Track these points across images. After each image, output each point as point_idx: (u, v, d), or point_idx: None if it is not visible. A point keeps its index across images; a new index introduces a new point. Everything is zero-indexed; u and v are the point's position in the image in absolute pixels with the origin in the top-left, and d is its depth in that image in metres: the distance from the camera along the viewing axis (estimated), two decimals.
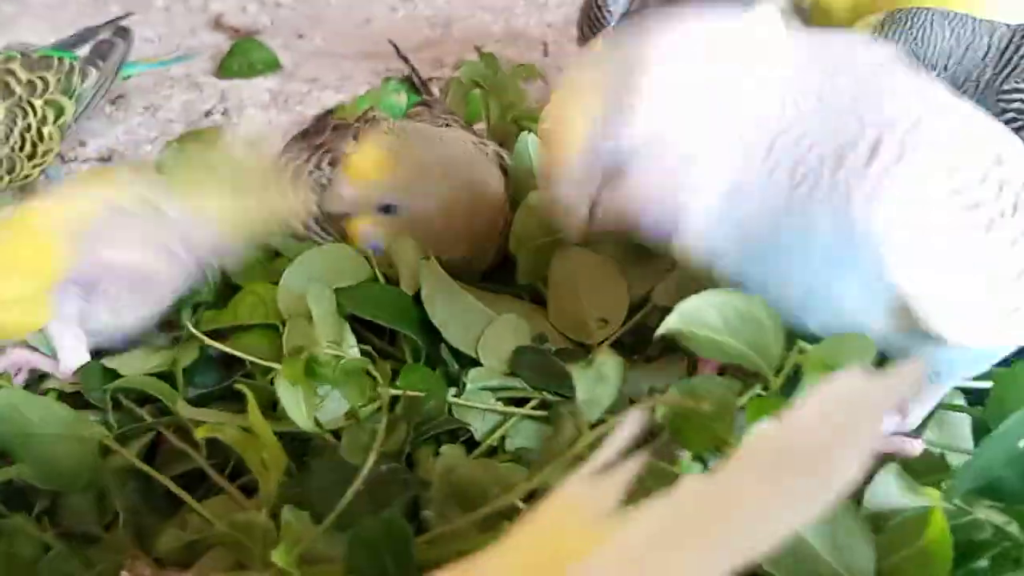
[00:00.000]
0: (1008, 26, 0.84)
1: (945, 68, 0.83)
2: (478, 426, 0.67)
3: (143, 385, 0.71)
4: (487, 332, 0.71)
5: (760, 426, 0.51)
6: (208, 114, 1.36)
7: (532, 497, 0.55)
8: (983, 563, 0.54)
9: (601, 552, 0.32)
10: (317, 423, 0.64)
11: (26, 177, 1.09)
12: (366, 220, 0.80)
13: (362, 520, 0.55)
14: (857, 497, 0.56)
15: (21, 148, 1.07)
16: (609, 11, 1.13)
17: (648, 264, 0.75)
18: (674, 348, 0.66)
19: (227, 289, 0.85)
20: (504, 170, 0.87)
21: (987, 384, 0.65)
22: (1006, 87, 0.81)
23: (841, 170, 0.52)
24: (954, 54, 0.83)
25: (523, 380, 0.68)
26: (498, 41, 1.52)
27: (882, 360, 0.58)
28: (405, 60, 0.98)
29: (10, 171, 1.06)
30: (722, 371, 0.65)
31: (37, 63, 1.11)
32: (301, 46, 1.55)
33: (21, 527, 0.65)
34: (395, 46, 0.99)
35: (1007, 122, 0.76)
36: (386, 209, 0.79)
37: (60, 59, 1.13)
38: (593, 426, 0.56)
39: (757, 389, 0.57)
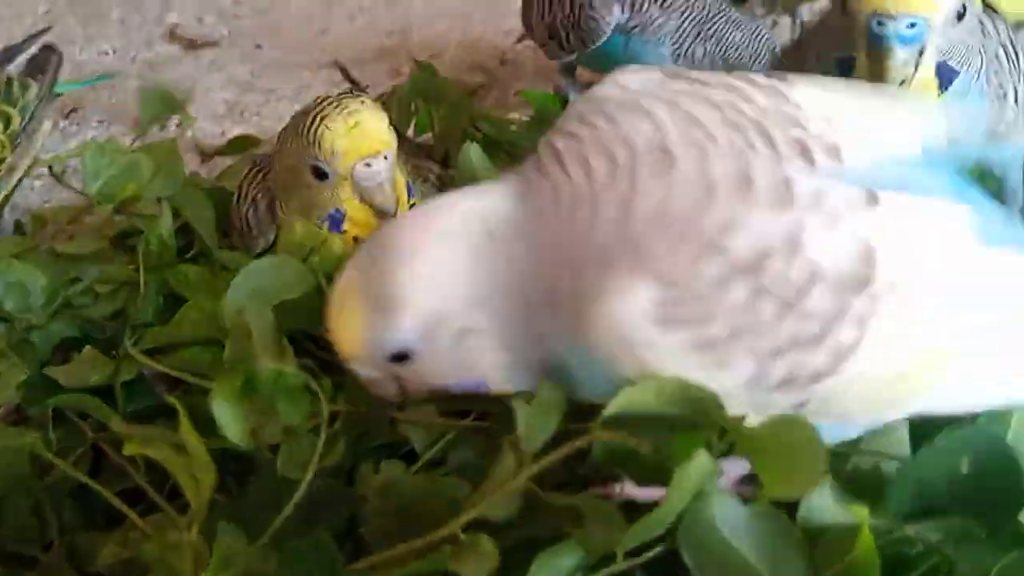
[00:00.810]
0: None
1: None
2: (419, 439, 0.66)
3: (79, 402, 0.70)
4: None
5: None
6: (162, 127, 1.35)
7: (472, 527, 0.55)
8: None
9: None
10: (254, 440, 0.63)
11: None
12: None
13: (297, 539, 0.54)
14: (792, 511, 0.55)
15: None
16: (604, 21, 1.12)
17: None
18: None
19: (172, 304, 0.85)
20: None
21: None
22: None
23: (559, 307, 0.53)
24: None
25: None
26: (456, 48, 1.52)
27: None
28: (351, 80, 0.98)
29: None
30: None
31: None
32: (259, 57, 1.54)
33: None
34: (341, 67, 0.98)
35: None
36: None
37: None
38: (536, 456, 0.55)
39: None
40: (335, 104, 0.81)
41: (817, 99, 0.56)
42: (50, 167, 1.15)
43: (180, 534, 0.57)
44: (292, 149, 0.83)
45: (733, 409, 0.52)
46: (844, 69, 0.73)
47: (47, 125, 1.17)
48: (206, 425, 0.62)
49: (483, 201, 0.57)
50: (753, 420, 0.52)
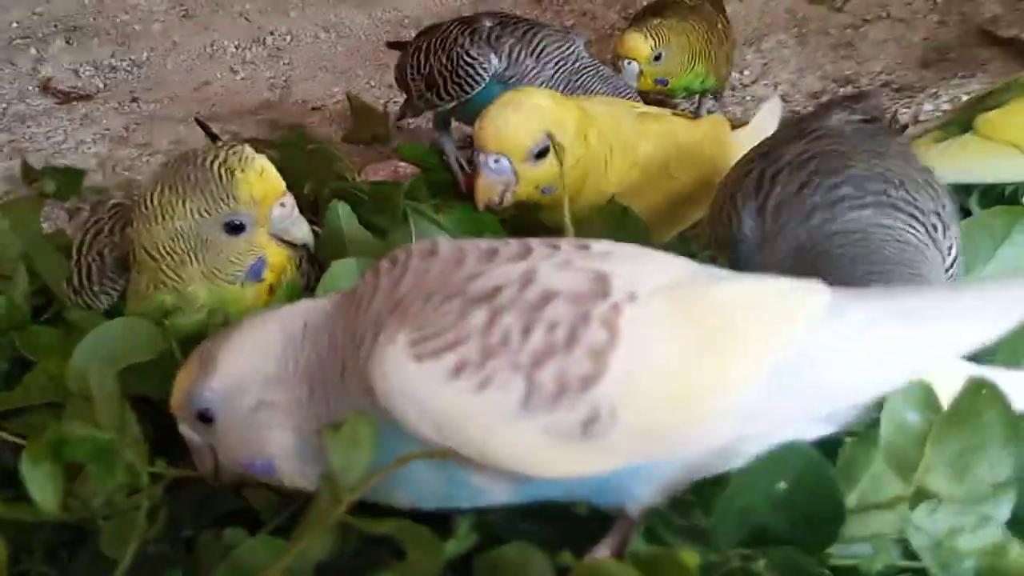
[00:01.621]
0: None
1: None
2: (264, 506, 0.65)
3: None
4: None
5: None
6: (32, 183, 1.32)
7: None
8: None
9: None
10: (70, 509, 0.61)
11: None
12: None
13: None
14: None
15: None
16: (483, 69, 1.13)
17: None
18: None
19: (23, 367, 0.82)
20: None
21: None
22: None
23: (348, 376, 0.58)
24: None
25: None
26: (337, 103, 1.51)
27: None
28: (211, 134, 0.96)
29: None
30: None
31: None
32: (135, 110, 1.52)
33: None
34: (202, 124, 0.97)
35: None
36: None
37: None
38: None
39: None
40: (233, 155, 0.79)
41: None
42: None
43: None
44: (187, 213, 0.78)
45: (533, 448, 0.55)
46: None
47: None
48: None
49: (314, 302, 0.64)
50: (558, 456, 0.55)
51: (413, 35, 1.29)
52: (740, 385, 0.56)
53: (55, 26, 1.72)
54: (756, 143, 0.87)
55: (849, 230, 0.71)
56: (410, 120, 1.35)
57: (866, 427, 0.61)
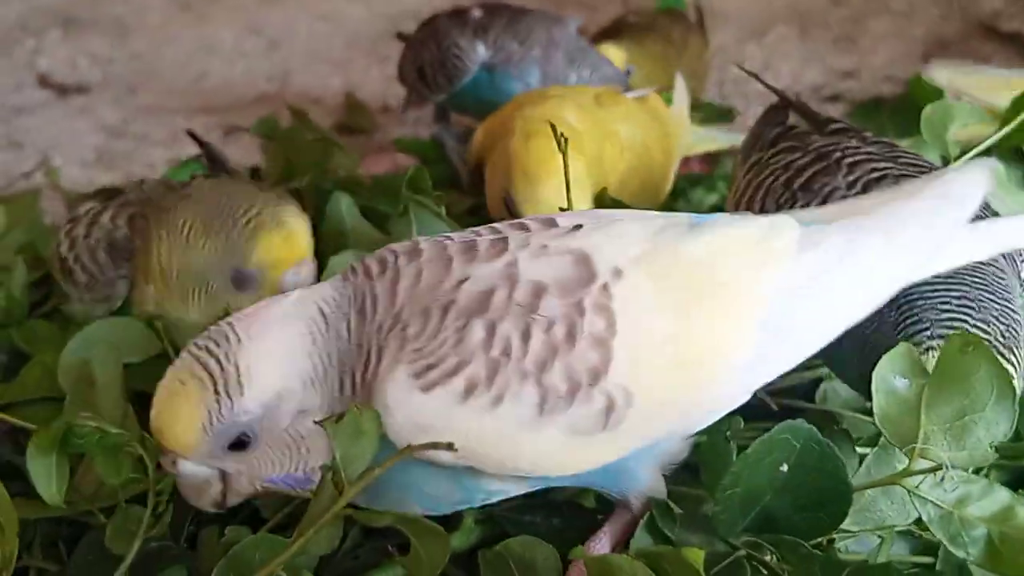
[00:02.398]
0: None
1: None
2: (267, 504, 0.64)
3: None
4: None
5: None
6: (28, 175, 1.31)
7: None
8: None
9: None
10: (77, 503, 0.60)
11: None
12: None
13: None
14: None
15: None
16: (469, 59, 1.12)
17: None
18: None
19: (20, 360, 0.81)
20: None
21: None
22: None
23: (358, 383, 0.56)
24: None
25: None
26: (335, 96, 1.50)
27: None
28: (201, 144, 0.96)
29: None
30: None
31: None
32: (132, 102, 1.51)
33: None
34: (192, 135, 0.96)
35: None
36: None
37: None
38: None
39: None
40: (267, 214, 0.79)
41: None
42: None
43: None
44: (203, 253, 0.79)
45: (556, 449, 0.54)
46: None
47: None
48: None
49: (320, 290, 0.59)
50: (580, 452, 0.55)
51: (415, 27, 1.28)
52: (737, 337, 0.57)
53: (52, 18, 1.71)
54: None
55: None
56: (414, 113, 1.34)
57: None
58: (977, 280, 0.63)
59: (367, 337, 0.56)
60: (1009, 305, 0.63)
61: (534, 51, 1.12)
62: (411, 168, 0.88)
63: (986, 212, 0.67)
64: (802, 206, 0.72)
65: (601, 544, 0.60)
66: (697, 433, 0.60)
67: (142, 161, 1.33)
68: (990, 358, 0.57)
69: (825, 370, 0.75)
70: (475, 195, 1.02)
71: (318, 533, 0.53)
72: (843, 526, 0.58)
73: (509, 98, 1.05)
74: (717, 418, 0.60)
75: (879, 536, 0.61)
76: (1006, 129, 0.87)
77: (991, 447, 0.57)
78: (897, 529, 0.61)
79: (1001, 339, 0.60)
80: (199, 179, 0.89)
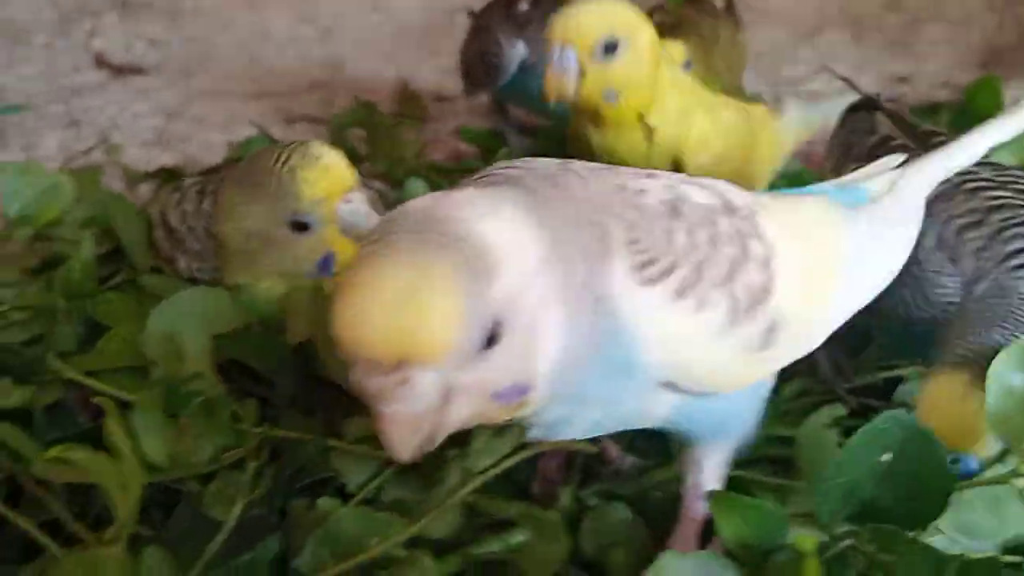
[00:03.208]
0: None
1: None
2: (354, 477, 0.64)
3: None
4: None
5: None
6: (87, 153, 1.32)
7: (413, 545, 0.53)
8: None
9: None
10: (177, 467, 0.61)
11: None
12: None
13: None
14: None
15: None
16: (507, 58, 1.11)
17: None
18: None
19: (94, 332, 0.82)
20: None
21: None
22: None
23: (594, 280, 0.51)
24: None
25: None
26: (388, 84, 1.51)
27: None
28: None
29: None
30: None
31: None
32: (188, 85, 1.52)
33: None
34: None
35: None
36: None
37: None
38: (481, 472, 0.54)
39: None
40: (297, 154, 0.78)
41: None
42: None
43: (104, 550, 0.54)
44: (254, 214, 0.78)
45: (730, 363, 0.56)
46: None
47: None
48: None
49: (492, 186, 0.53)
50: (744, 369, 0.57)
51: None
52: (843, 269, 0.61)
53: (108, 1, 1.72)
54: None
55: None
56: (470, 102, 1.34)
57: None
58: None
59: (574, 226, 0.51)
60: None
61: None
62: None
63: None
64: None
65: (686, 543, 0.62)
66: (789, 426, 0.61)
67: (200, 143, 1.34)
68: None
69: (903, 370, 0.75)
70: None
71: (440, 516, 0.53)
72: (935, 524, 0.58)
73: None
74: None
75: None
76: None
77: None
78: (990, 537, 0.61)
79: None
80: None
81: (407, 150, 1.03)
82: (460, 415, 0.47)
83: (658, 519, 0.65)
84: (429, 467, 0.62)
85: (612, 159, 0.87)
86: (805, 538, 0.53)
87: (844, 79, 1.00)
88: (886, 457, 0.57)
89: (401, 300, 0.43)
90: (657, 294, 0.52)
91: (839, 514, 0.57)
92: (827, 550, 0.56)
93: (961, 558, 0.55)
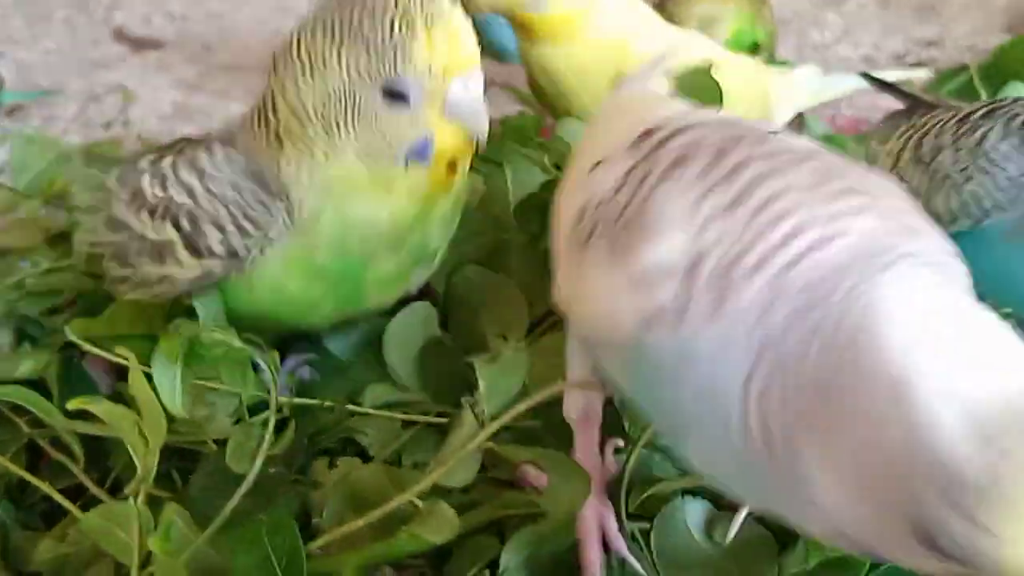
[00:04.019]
0: None
1: None
2: (374, 440, 0.64)
3: (14, 395, 0.66)
4: (392, 324, 0.69)
5: None
6: (108, 126, 1.32)
7: (431, 495, 0.53)
8: None
9: None
10: (196, 424, 0.60)
11: None
12: None
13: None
14: None
15: None
16: None
17: (545, 280, 0.73)
18: None
19: (101, 297, 0.81)
20: None
21: None
22: None
23: None
24: None
25: (425, 382, 0.65)
26: None
27: None
28: None
29: None
30: None
31: None
32: (208, 59, 1.51)
33: None
34: None
35: None
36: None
37: None
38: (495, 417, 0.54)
39: None
40: (419, 6, 0.60)
41: None
42: None
43: (125, 504, 0.53)
44: (342, 67, 0.60)
45: None
46: None
47: None
48: None
49: None
50: None
51: None
52: None
53: None
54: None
55: None
56: None
57: None
58: None
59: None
60: None
61: None
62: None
63: None
64: None
65: None
66: None
67: (221, 115, 1.33)
68: None
69: None
70: None
71: (457, 465, 0.52)
72: None
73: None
74: None
75: None
76: None
77: None
78: None
79: None
80: None
81: None
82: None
83: None
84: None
85: (553, 78, 0.86)
86: None
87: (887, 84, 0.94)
88: None
89: None
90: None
91: None
92: None
93: None
